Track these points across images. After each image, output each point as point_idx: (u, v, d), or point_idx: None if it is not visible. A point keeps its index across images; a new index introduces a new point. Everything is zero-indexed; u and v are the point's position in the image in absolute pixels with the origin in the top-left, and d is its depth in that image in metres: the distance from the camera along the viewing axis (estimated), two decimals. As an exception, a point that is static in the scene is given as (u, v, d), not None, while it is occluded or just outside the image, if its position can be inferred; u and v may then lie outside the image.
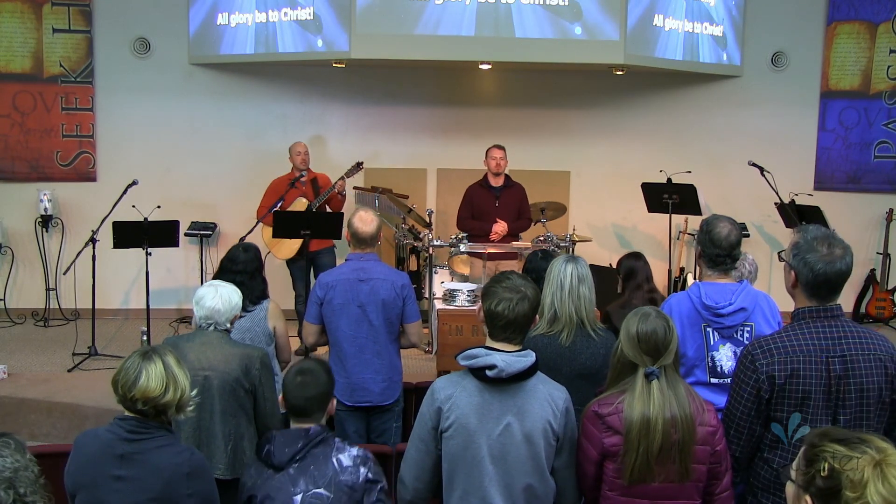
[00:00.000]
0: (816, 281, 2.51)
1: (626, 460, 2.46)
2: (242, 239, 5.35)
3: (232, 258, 4.10)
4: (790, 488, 1.72)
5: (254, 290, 4.02)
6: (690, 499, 2.54)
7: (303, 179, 6.45)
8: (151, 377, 2.47)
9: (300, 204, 6.42)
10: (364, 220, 3.96)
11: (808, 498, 1.65)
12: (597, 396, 2.63)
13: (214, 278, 3.74)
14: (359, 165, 6.65)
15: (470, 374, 2.60)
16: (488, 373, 2.53)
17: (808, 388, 2.50)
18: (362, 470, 2.56)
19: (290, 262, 6.54)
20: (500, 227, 6.34)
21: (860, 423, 2.49)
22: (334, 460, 2.55)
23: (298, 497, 2.48)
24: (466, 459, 2.57)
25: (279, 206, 6.17)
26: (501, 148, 6.44)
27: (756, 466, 2.63)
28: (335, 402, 2.76)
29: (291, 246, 6.37)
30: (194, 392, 2.65)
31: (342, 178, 6.53)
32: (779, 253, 2.77)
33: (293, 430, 2.62)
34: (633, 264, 4.49)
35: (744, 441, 2.61)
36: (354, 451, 2.61)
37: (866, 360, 2.51)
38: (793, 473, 1.71)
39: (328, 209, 6.48)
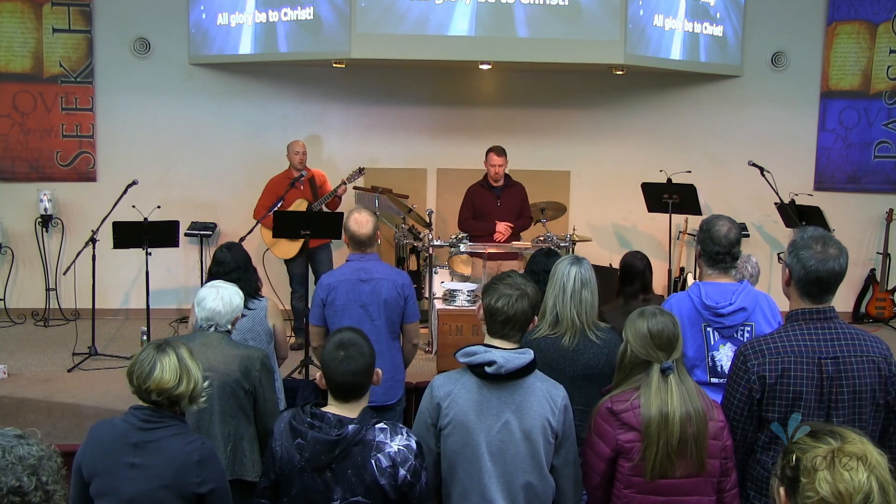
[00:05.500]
0: (808, 278, 2.52)
1: (646, 455, 2.48)
2: (242, 239, 5.35)
3: (219, 261, 4.07)
4: (772, 482, 1.76)
5: (251, 283, 4.01)
6: (706, 495, 2.55)
7: (302, 179, 6.44)
8: (166, 369, 2.53)
9: (301, 205, 6.43)
10: (360, 223, 3.95)
11: (781, 489, 1.69)
12: (605, 395, 2.64)
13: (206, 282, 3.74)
14: (360, 171, 6.65)
15: (469, 371, 2.61)
16: (487, 369, 2.53)
17: (799, 389, 2.51)
18: (401, 472, 2.39)
19: (288, 262, 6.56)
20: (503, 227, 6.35)
21: (854, 426, 2.49)
22: (373, 462, 2.38)
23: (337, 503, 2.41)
24: (465, 456, 2.57)
25: (279, 206, 6.16)
26: (501, 154, 6.38)
27: (750, 468, 2.64)
28: (380, 372, 2.56)
29: (291, 245, 6.38)
30: (206, 384, 2.68)
31: (343, 184, 6.53)
32: (779, 254, 2.80)
33: (327, 437, 2.38)
34: (634, 264, 4.42)
35: (737, 441, 2.63)
36: (395, 447, 2.41)
37: (859, 362, 2.52)
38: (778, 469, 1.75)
39: (324, 209, 6.50)
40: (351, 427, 2.40)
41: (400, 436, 2.45)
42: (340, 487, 2.39)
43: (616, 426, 2.53)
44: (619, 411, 2.53)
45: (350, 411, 2.46)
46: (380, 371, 2.55)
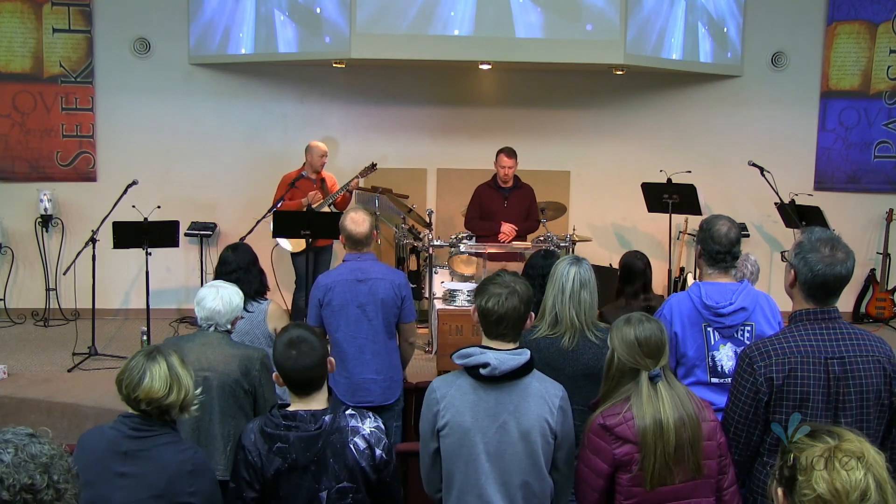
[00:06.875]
0: (814, 281, 2.50)
1: (644, 465, 2.45)
2: (242, 239, 5.36)
3: (223, 261, 4.08)
4: (770, 482, 1.76)
5: (251, 284, 3.99)
6: (706, 496, 2.53)
7: (313, 177, 6.44)
8: (155, 378, 2.46)
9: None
10: (356, 222, 3.96)
11: (780, 490, 1.69)
12: (595, 410, 2.60)
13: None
14: (373, 166, 6.65)
15: (465, 372, 2.60)
16: (482, 371, 2.53)
17: (806, 390, 2.49)
18: (377, 452, 2.50)
19: (294, 256, 6.56)
20: (508, 228, 6.36)
21: (861, 426, 2.48)
22: (351, 446, 2.47)
23: (324, 494, 2.46)
24: (462, 457, 2.57)
25: (279, 205, 6.16)
26: (511, 156, 6.40)
27: (756, 471, 2.62)
28: (333, 360, 2.62)
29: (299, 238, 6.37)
30: (198, 391, 2.64)
31: (356, 178, 6.54)
32: (782, 253, 2.77)
33: (308, 433, 2.46)
34: (634, 264, 4.38)
35: (742, 444, 2.60)
36: (367, 429, 2.51)
37: (865, 362, 2.50)
38: (776, 470, 1.75)
39: (332, 207, 6.50)
40: (327, 418, 2.48)
41: (368, 418, 2.55)
42: (325, 477, 2.45)
43: (611, 441, 2.49)
44: (613, 426, 2.49)
45: (316, 403, 2.53)
46: (332, 359, 2.61)
